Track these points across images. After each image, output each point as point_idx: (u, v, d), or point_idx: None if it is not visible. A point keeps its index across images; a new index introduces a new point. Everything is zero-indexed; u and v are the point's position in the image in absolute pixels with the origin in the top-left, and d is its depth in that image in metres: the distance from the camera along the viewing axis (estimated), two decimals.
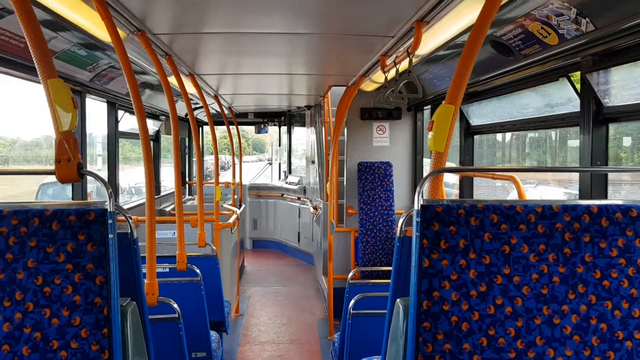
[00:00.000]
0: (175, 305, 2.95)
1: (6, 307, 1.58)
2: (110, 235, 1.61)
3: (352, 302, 3.26)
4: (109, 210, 1.62)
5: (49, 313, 1.58)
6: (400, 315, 1.66)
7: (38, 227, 1.60)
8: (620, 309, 1.55)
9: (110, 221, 1.62)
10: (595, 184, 2.82)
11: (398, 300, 1.70)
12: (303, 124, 9.89)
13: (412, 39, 2.86)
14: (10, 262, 1.59)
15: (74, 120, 1.66)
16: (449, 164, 4.73)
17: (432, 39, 3.20)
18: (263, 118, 10.64)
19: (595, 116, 2.82)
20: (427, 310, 1.51)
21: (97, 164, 6.80)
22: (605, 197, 2.85)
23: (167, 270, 3.72)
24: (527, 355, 1.52)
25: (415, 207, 1.54)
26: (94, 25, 2.87)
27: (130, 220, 1.85)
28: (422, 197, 1.55)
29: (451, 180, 6.21)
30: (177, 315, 2.97)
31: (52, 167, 1.69)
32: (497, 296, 1.52)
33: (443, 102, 1.80)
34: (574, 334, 1.54)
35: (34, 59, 1.65)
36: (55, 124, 1.65)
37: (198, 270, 3.60)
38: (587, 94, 2.86)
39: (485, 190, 5.89)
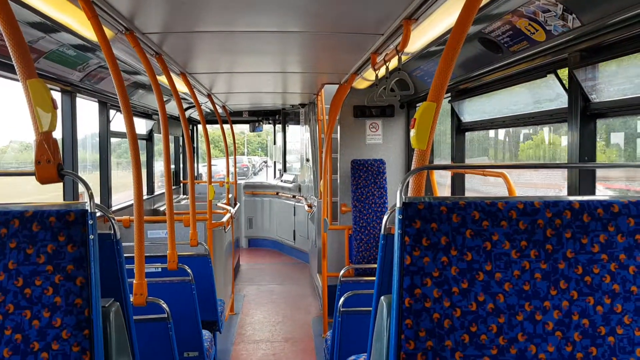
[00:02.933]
0: (165, 305, 2.94)
1: None
2: (91, 236, 1.60)
3: (341, 299, 3.26)
4: (89, 210, 1.61)
5: (29, 315, 1.58)
6: (384, 312, 1.65)
7: (18, 228, 1.60)
8: (602, 304, 1.55)
9: (90, 222, 1.61)
10: (583, 180, 2.82)
11: (382, 297, 1.69)
12: (298, 122, 9.89)
13: (401, 37, 2.87)
14: None
15: (53, 120, 1.65)
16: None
17: (421, 37, 3.21)
18: (257, 116, 10.63)
19: (583, 112, 2.82)
20: (409, 308, 1.51)
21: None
22: (593, 194, 2.86)
23: (159, 270, 3.71)
24: (509, 352, 1.52)
25: (398, 204, 1.53)
26: (81, 25, 2.86)
27: (113, 221, 1.84)
28: (405, 194, 1.55)
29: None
30: (166, 315, 2.96)
31: (32, 169, 1.68)
32: (478, 293, 1.52)
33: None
34: (556, 329, 1.53)
35: (12, 58, 1.64)
36: (35, 124, 1.64)
37: (189, 270, 3.59)
38: (574, 90, 2.86)
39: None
